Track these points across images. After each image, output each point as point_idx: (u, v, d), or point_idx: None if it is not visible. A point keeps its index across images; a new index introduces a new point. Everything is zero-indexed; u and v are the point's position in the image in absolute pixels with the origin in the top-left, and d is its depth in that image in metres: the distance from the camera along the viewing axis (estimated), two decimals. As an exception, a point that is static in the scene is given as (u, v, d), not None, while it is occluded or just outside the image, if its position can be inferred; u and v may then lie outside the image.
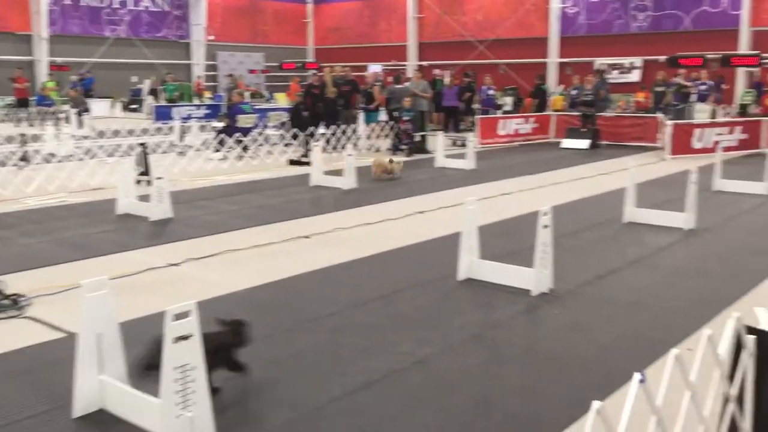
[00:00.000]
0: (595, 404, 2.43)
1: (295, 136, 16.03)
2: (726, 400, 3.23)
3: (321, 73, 19.04)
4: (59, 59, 30.77)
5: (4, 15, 30.22)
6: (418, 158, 16.09)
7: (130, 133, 17.84)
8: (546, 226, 5.97)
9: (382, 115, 18.46)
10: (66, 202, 10.58)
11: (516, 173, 13.55)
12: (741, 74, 24.89)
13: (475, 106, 22.89)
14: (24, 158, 13.50)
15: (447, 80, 23.63)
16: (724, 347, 3.24)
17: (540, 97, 22.69)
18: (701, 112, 18.12)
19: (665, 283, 6.57)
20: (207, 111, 25.76)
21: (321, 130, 16.37)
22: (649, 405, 2.77)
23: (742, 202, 10.50)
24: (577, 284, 6.39)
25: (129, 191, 9.82)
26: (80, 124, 20.71)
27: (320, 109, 17.02)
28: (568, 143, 18.40)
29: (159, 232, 8.71)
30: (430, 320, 5.52)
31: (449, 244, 7.11)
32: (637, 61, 28.01)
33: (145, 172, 11.81)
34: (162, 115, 24.05)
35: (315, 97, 17.23)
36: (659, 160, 15.68)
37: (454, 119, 22.18)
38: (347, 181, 11.88)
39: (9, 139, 15.84)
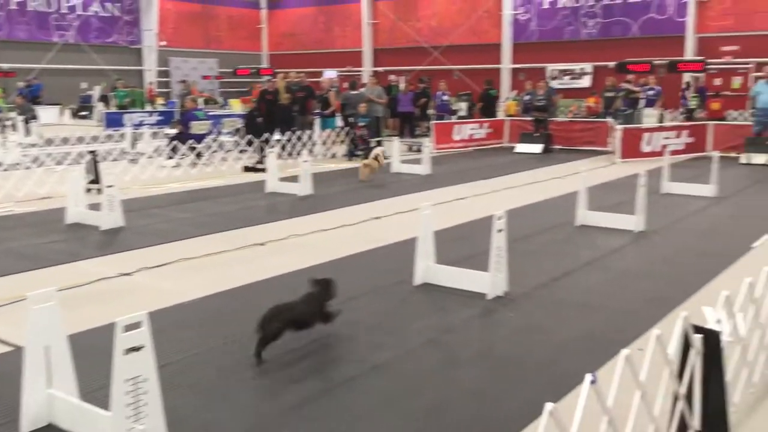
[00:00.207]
0: (548, 406, 2.46)
1: (249, 143, 15.90)
2: (675, 399, 3.31)
3: (275, 79, 18.94)
4: (5, 65, 29.93)
5: (-53, 20, 29.30)
6: (374, 164, 16.09)
7: (80, 140, 17.47)
8: (500, 230, 6.03)
9: (339, 121, 18.44)
10: (13, 212, 10.29)
11: (471, 178, 13.67)
12: (687, 79, 25.57)
13: (430, 111, 23.02)
14: (-32, 167, 13.10)
15: (402, 86, 23.73)
16: (673, 347, 3.32)
17: (487, 102, 22.83)
18: (649, 116, 18.57)
19: (617, 284, 6.70)
20: (159, 117, 25.36)
21: (276, 136, 16.27)
22: (601, 405, 2.82)
23: (689, 204, 10.77)
24: (531, 287, 6.47)
25: (79, 200, 9.60)
26: (28, 132, 20.19)
27: (275, 116, 16.93)
28: (521, 148, 18.65)
29: (110, 242, 8.54)
30: (387, 325, 5.52)
31: (405, 249, 7.13)
32: (588, 66, 28.56)
33: (96, 180, 11.57)
34: (113, 122, 23.60)
35: (269, 103, 17.13)
36: (610, 163, 16.00)
37: (409, 125, 22.28)
38: (303, 188, 11.83)
39: (-48, 148, 15.35)
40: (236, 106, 27.31)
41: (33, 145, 18.21)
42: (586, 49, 28.58)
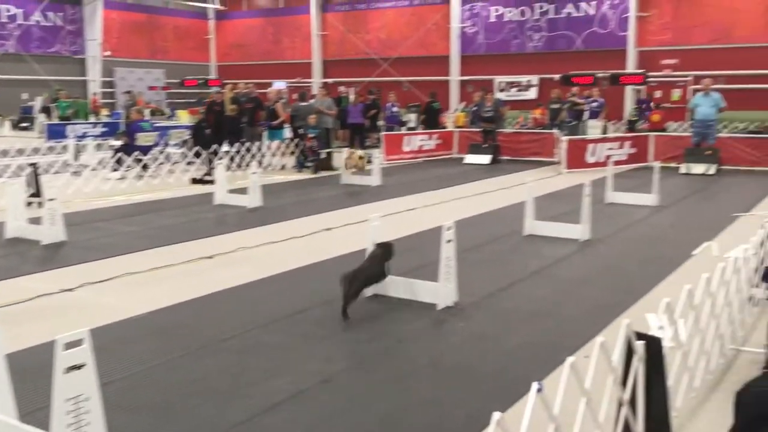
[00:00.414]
0: (496, 415, 2.48)
1: (197, 154, 15.69)
2: (620, 404, 3.37)
3: (224, 90, 18.75)
4: (-58, 76, 28.97)
5: None
6: (324, 175, 16.07)
7: (20, 152, 16.95)
8: (449, 241, 6.08)
9: (287, 133, 18.32)
10: (-52, 227, 9.91)
11: (421, 189, 13.75)
12: (629, 92, 26.32)
13: (380, 122, 23.12)
14: None
15: (352, 97, 23.77)
16: (617, 354, 3.39)
17: (430, 114, 23.01)
18: (593, 128, 19.02)
19: (563, 292, 6.81)
20: (104, 129, 24.83)
21: (224, 147, 16.10)
22: (547, 413, 2.85)
23: (632, 213, 11.05)
24: (480, 296, 6.53)
25: (19, 214, 9.31)
26: (-36, 144, 19.51)
27: (223, 127, 16.75)
28: (470, 159, 18.87)
29: (51, 257, 8.30)
30: (337, 338, 5.50)
31: (355, 260, 7.10)
32: (534, 79, 29.13)
33: (37, 194, 11.26)
34: (55, 133, 22.99)
35: (217, 115, 16.95)
36: (556, 174, 16.31)
37: (359, 136, 22.32)
38: (252, 200, 11.71)
39: None
40: (184, 117, 26.96)
41: (-30, 158, 17.59)
42: (532, 61, 29.16)
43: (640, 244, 8.99)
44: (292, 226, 10.03)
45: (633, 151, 17.73)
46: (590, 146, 17.27)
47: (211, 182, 13.43)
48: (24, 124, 29.70)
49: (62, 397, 3.16)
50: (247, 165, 14.47)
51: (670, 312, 3.97)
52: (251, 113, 17.70)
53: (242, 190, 12.11)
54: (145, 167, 14.63)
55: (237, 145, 16.40)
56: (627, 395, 3.34)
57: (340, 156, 15.77)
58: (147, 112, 23.47)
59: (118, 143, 16.66)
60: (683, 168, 16.24)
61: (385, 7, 33.05)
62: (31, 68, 32.61)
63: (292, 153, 17.71)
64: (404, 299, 6.34)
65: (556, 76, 23.63)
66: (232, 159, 15.87)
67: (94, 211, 11.34)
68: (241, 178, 13.70)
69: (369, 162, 14.17)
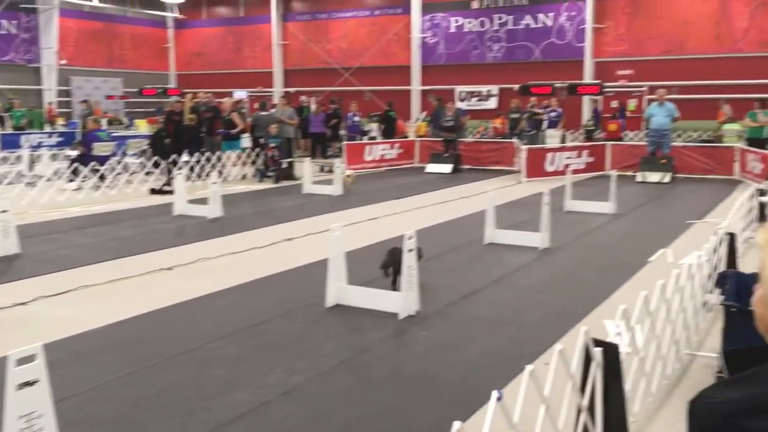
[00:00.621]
0: (456, 425, 2.49)
1: (156, 164, 15.47)
2: (579, 411, 3.42)
3: (183, 99, 18.53)
4: None
5: None
6: (286, 185, 15.99)
7: (-28, 162, 16.53)
8: (411, 250, 6.10)
9: (245, 142, 18.10)
10: None
11: (382, 198, 13.77)
12: (586, 102, 26.77)
13: (342, 132, 23.11)
14: None
15: (313, 107, 23.71)
16: (575, 361, 3.44)
17: (387, 123, 23.08)
18: (552, 137, 19.30)
19: (524, 300, 6.88)
20: (60, 139, 24.31)
21: (184, 157, 15.91)
22: (507, 421, 2.87)
23: (590, 221, 11.22)
24: (442, 305, 6.56)
25: (-31, 226, 9.05)
26: None
27: (182, 136, 16.54)
28: (431, 168, 18.96)
29: (4, 270, 8.08)
30: (299, 348, 5.46)
31: (317, 270, 7.09)
32: (494, 89, 29.43)
33: (-11, 205, 10.95)
34: (8, 143, 22.45)
35: (176, 124, 16.75)
36: (516, 182, 16.49)
37: (321, 145, 22.27)
38: (212, 210, 11.59)
39: None
40: (142, 127, 26.56)
41: None
42: (492, 71, 29.48)
43: (598, 252, 9.14)
44: (253, 237, 9.95)
45: (591, 159, 18.03)
46: (549, 155, 17.52)
47: (170, 192, 13.25)
48: (-24, 134, 28.92)
49: (14, 415, 3.08)
50: (207, 175, 14.32)
51: (627, 318, 4.04)
52: (210, 122, 17.52)
53: (202, 201, 11.98)
54: (102, 177, 14.37)
55: (197, 154, 16.23)
56: (585, 401, 3.39)
57: (301, 166, 15.71)
58: (104, 121, 23.07)
59: (74, 153, 16.35)
60: (639, 176, 16.56)
61: (346, 17, 33.10)
62: (-17, 77, 31.80)
63: (253, 163, 17.58)
64: (367, 309, 6.33)
65: (516, 86, 23.88)
66: (191, 169, 15.69)
67: (50, 223, 11.10)
68: (201, 188, 13.56)
69: (330, 171, 14.25)
